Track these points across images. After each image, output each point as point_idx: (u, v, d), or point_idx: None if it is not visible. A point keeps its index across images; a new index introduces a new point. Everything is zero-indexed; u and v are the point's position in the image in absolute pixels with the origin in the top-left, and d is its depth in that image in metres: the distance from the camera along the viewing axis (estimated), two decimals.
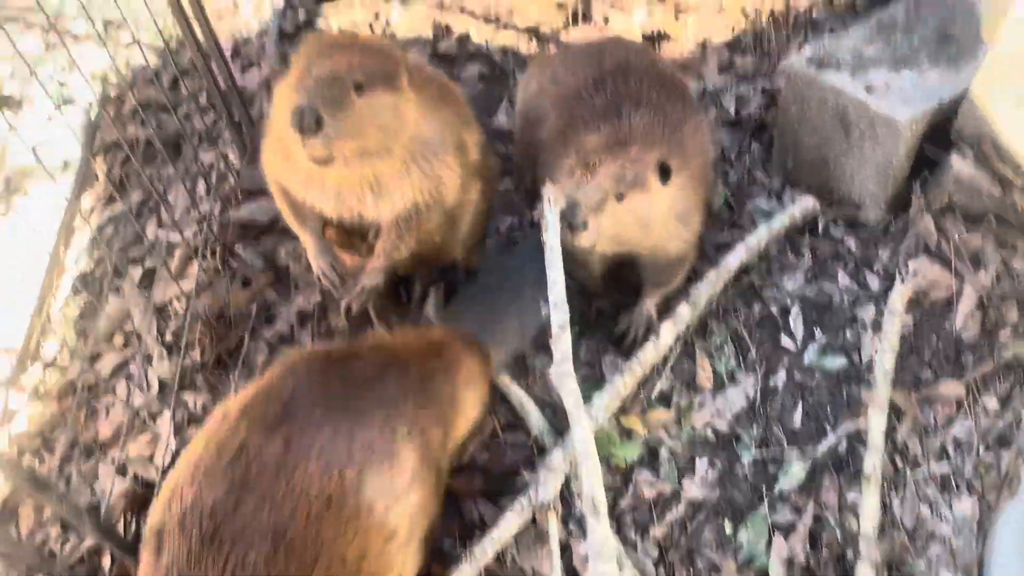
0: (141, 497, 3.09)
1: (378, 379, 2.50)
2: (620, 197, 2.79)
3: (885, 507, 2.84)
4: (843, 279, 3.39)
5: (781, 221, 3.53)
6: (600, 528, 2.41)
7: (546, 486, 2.89)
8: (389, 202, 2.84)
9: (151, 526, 2.19)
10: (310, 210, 2.91)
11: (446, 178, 2.92)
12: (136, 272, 3.74)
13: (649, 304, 3.32)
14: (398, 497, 2.37)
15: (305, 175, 2.80)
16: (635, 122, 3.03)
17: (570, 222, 2.77)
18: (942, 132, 3.32)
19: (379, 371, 2.52)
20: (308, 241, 3.01)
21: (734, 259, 3.40)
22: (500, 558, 2.92)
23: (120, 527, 3.04)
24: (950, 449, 2.92)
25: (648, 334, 3.28)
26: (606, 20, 4.72)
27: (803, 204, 3.58)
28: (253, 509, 2.13)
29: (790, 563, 2.80)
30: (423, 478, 2.49)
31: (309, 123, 2.43)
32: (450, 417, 2.71)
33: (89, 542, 3.01)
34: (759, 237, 3.48)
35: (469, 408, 2.82)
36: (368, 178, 2.77)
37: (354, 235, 3.04)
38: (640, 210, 2.86)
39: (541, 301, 3.20)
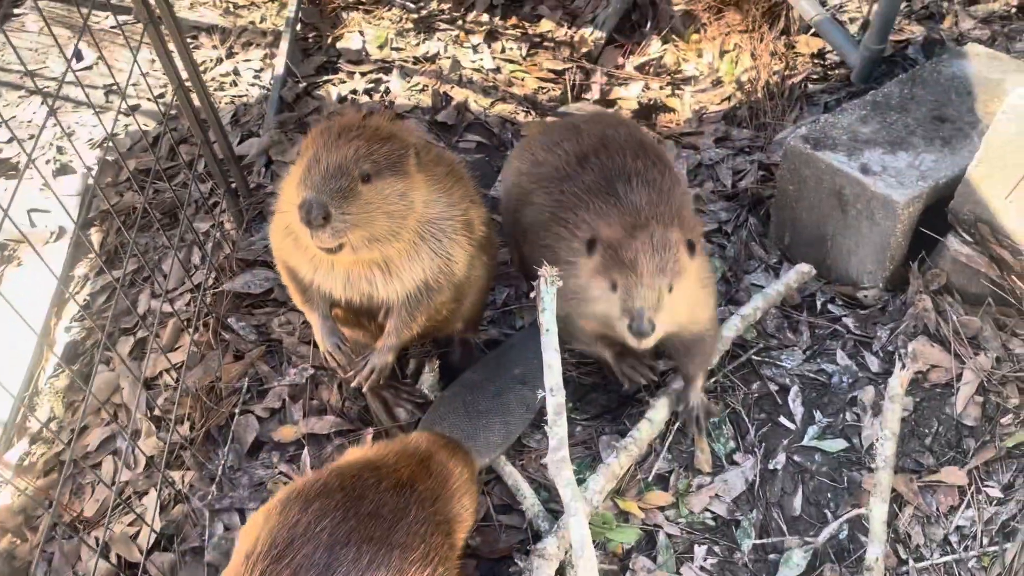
0: None
1: (403, 511, 2.47)
2: (671, 288, 2.74)
3: None
4: (842, 358, 3.36)
5: (776, 289, 3.51)
6: None
7: (540, 574, 2.82)
8: (399, 282, 2.84)
9: None
10: (318, 292, 2.90)
11: (456, 255, 2.92)
12: (127, 343, 3.70)
13: (698, 387, 3.24)
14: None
15: (313, 258, 2.81)
16: (634, 198, 2.98)
17: (639, 330, 2.72)
18: (939, 212, 3.32)
19: (399, 501, 2.48)
20: (316, 322, 3.00)
21: (729, 330, 3.37)
22: None
23: None
24: (953, 540, 2.85)
25: (708, 419, 3.27)
26: (604, 93, 4.76)
27: (799, 270, 3.57)
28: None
29: None
30: None
31: (316, 217, 2.44)
32: (455, 537, 2.66)
33: None
34: (755, 306, 3.46)
35: (467, 517, 2.79)
36: (377, 261, 2.77)
37: (362, 315, 3.03)
38: (686, 293, 2.82)
39: (538, 389, 3.18)
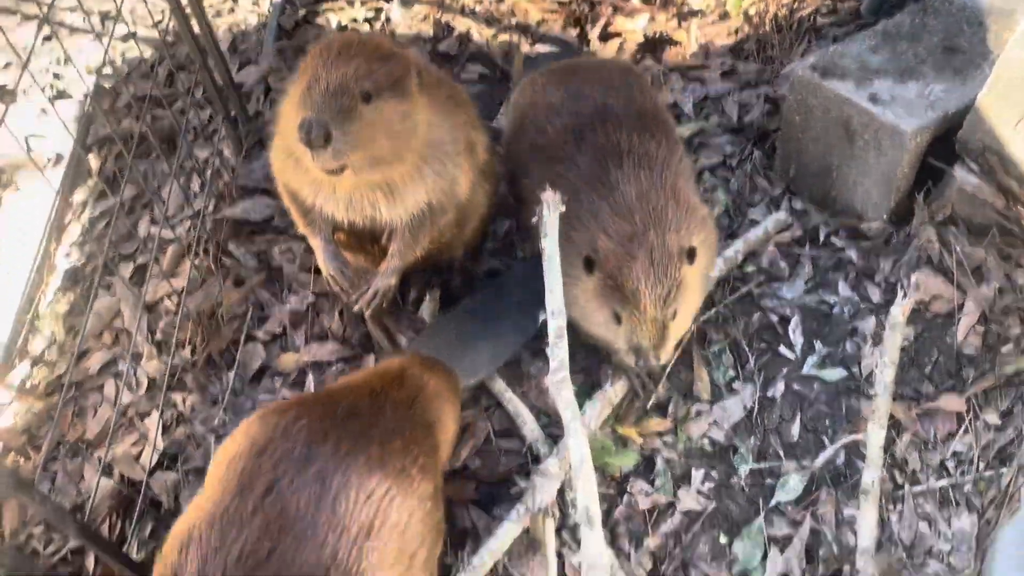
0: (127, 498, 3.04)
1: (379, 411, 2.49)
2: (675, 314, 2.70)
3: (883, 523, 2.80)
4: (844, 290, 3.35)
5: (756, 234, 3.52)
6: (594, 539, 2.37)
7: (542, 492, 2.85)
8: (402, 205, 2.80)
9: (164, 564, 2.12)
10: (320, 215, 2.86)
11: (459, 178, 2.89)
12: (127, 269, 3.69)
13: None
14: (423, 518, 2.35)
15: (315, 181, 2.76)
16: (627, 190, 2.82)
17: (648, 368, 2.83)
18: (946, 143, 3.28)
19: (374, 404, 2.51)
20: (318, 246, 2.96)
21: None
22: (493, 567, 2.87)
23: (105, 528, 2.98)
24: (950, 465, 2.88)
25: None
26: (607, 26, 4.67)
27: (777, 218, 3.61)
28: (293, 550, 2.07)
29: None
30: (437, 498, 2.48)
31: (317, 137, 2.38)
32: (438, 438, 2.68)
33: (73, 542, 2.96)
34: (736, 249, 3.48)
35: (448, 424, 2.81)
36: (380, 183, 2.73)
37: (365, 238, 3.01)
38: (689, 305, 2.80)
39: (537, 313, 3.19)
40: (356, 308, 3.01)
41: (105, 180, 4.00)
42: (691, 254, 2.70)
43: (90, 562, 2.94)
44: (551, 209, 2.80)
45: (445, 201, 2.88)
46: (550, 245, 2.76)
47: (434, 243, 3.01)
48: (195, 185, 3.94)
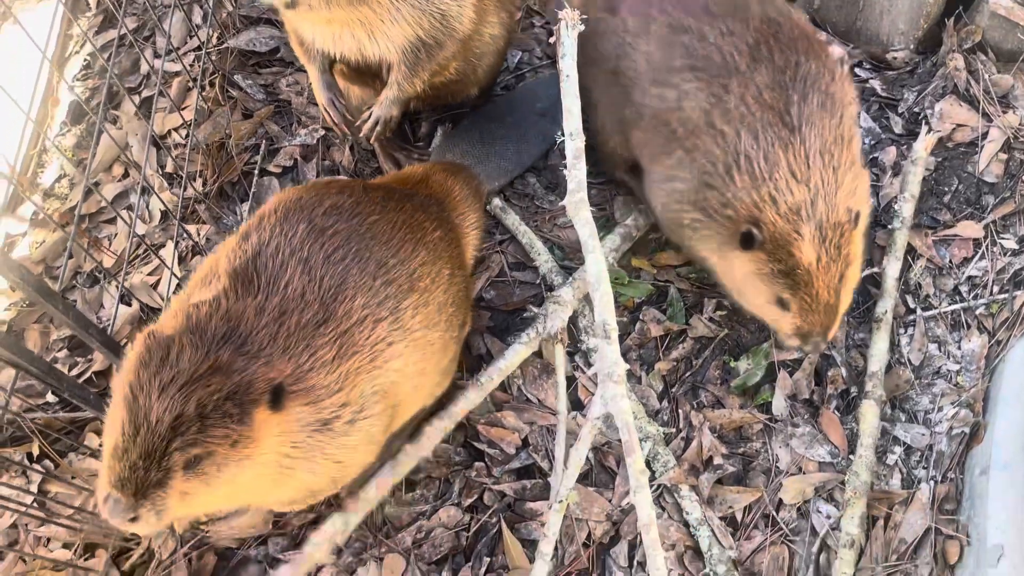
0: (148, 323, 3.08)
1: (407, 198, 2.55)
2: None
3: (893, 345, 2.84)
4: (865, 120, 3.28)
5: None
6: (611, 351, 2.40)
7: (553, 318, 2.88)
8: (386, 41, 2.75)
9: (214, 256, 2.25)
10: (315, 47, 2.85)
11: (450, 10, 2.77)
12: (133, 102, 3.61)
13: None
14: (464, 270, 2.54)
15: (308, 15, 2.68)
16: (810, 139, 2.36)
17: (815, 351, 2.55)
18: None
19: (397, 199, 2.54)
20: (313, 75, 2.95)
21: None
22: (507, 389, 2.95)
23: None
24: (963, 289, 2.89)
25: None
26: None
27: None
28: (367, 225, 2.25)
29: (793, 397, 2.82)
30: (466, 273, 2.68)
31: None
32: (465, 239, 2.73)
33: (97, 365, 3.02)
34: None
35: (473, 230, 2.88)
36: (358, 20, 2.68)
37: (366, 72, 2.94)
38: (855, 270, 2.48)
39: (557, 130, 3.13)
40: (360, 136, 3.00)
41: (104, 12, 3.86)
42: (858, 218, 2.37)
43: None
44: (569, 27, 2.70)
45: (438, 35, 2.79)
46: (567, 65, 2.68)
47: (438, 76, 2.94)
48: (197, 17, 3.80)
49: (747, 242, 2.36)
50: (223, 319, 2.00)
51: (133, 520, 1.86)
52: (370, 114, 2.94)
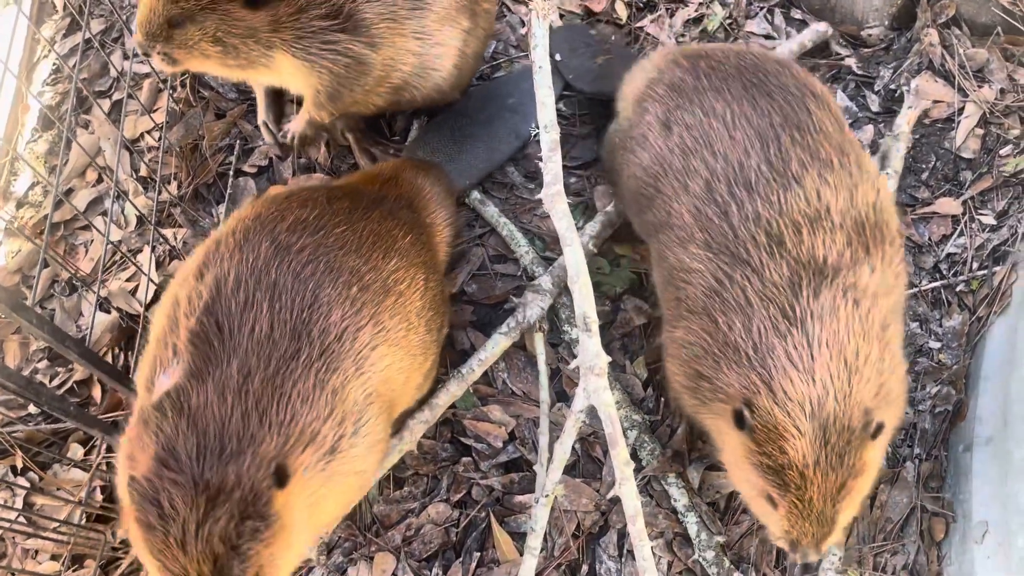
0: (127, 331, 3.06)
1: (376, 201, 2.52)
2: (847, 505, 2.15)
3: None
4: (842, 99, 3.27)
5: (789, 48, 3.36)
6: (592, 344, 2.40)
7: (532, 307, 2.88)
8: (290, 83, 2.88)
9: (175, 282, 2.21)
10: None
11: (342, 63, 2.75)
12: (104, 106, 3.56)
13: None
14: (438, 274, 2.48)
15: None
16: (817, 333, 2.12)
17: (805, 565, 2.35)
18: None
19: (366, 202, 2.51)
20: (258, 95, 3.32)
21: None
22: (492, 382, 2.94)
23: (108, 359, 3.02)
24: (943, 267, 2.90)
25: None
26: None
27: (815, 29, 3.40)
28: (334, 235, 2.20)
29: None
30: (440, 276, 2.60)
31: (144, 54, 2.68)
32: (436, 239, 2.69)
33: (78, 375, 3.00)
34: None
35: (445, 229, 2.86)
36: (255, 74, 2.83)
37: None
38: (864, 483, 2.17)
39: (531, 118, 3.12)
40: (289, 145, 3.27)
41: (70, 16, 3.80)
42: (877, 430, 2.08)
43: (97, 392, 2.99)
44: (540, 17, 2.68)
45: (341, 84, 2.81)
46: (540, 56, 2.66)
47: (364, 105, 2.98)
48: None
49: (739, 421, 2.13)
50: (191, 427, 1.87)
51: None
52: (287, 131, 3.17)
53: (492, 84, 3.46)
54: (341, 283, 2.13)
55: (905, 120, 3.01)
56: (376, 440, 2.21)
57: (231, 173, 3.33)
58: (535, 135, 2.65)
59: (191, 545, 1.74)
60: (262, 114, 3.29)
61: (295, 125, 3.11)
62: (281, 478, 1.86)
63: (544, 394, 2.77)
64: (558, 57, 3.37)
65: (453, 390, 2.78)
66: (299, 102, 3.16)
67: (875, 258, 2.21)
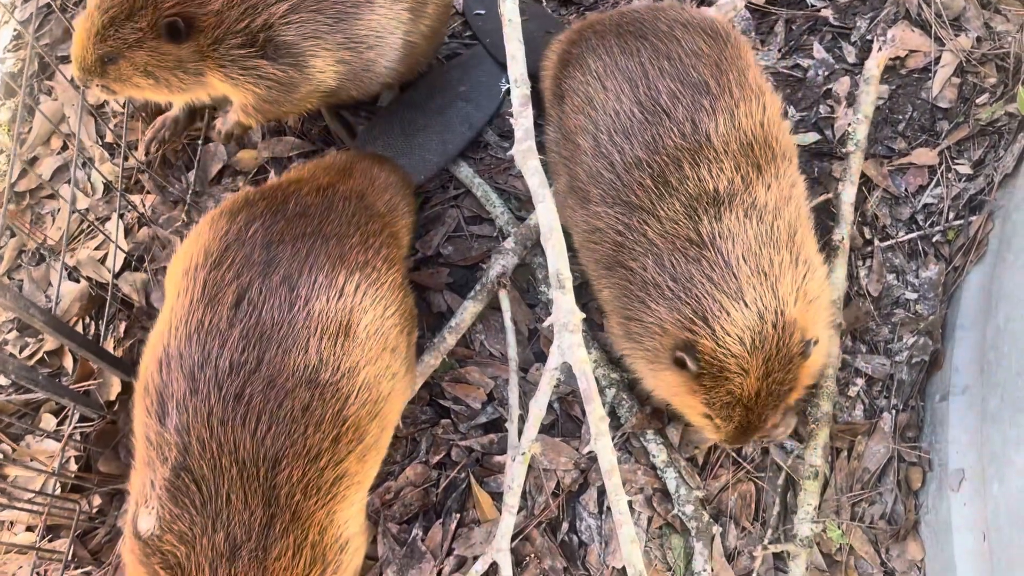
0: (97, 299, 3.01)
1: (329, 207, 2.41)
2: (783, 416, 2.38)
3: (851, 278, 2.83)
4: (818, 52, 3.22)
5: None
6: (565, 301, 2.36)
7: (496, 266, 2.87)
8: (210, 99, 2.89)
9: (144, 384, 2.08)
10: None
11: (265, 86, 2.74)
12: (66, 71, 3.48)
13: None
14: (397, 308, 2.33)
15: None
16: (729, 251, 2.17)
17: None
18: None
19: (323, 200, 2.43)
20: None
21: None
22: (470, 344, 2.92)
23: (79, 329, 2.97)
24: (919, 218, 2.88)
25: None
26: None
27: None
28: (280, 357, 2.05)
29: None
30: (406, 286, 2.47)
31: (86, 88, 2.76)
32: (395, 228, 2.64)
33: (48, 345, 2.96)
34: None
35: (404, 217, 2.78)
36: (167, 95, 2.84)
37: None
38: (796, 394, 2.35)
39: (480, 115, 3.05)
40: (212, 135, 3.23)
41: None
42: (807, 347, 2.17)
43: (68, 362, 2.95)
44: None
45: (260, 102, 2.80)
46: (509, 9, 2.59)
47: (298, 109, 2.94)
48: None
49: (680, 364, 2.17)
50: None
51: None
52: (216, 125, 3.11)
53: (441, 71, 3.34)
54: (297, 433, 2.03)
55: (875, 63, 2.98)
56: (358, 545, 2.20)
57: (200, 140, 3.27)
58: (505, 90, 2.60)
59: None
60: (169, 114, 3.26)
61: (224, 126, 3.06)
62: None
63: (512, 352, 2.75)
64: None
65: (429, 360, 2.76)
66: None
67: (768, 175, 2.25)
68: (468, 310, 2.84)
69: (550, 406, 2.79)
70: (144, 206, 3.15)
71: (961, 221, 2.81)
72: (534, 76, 2.86)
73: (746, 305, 2.10)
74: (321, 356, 2.10)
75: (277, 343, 2.07)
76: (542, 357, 2.89)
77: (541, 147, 2.48)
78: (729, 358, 2.10)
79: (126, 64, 2.65)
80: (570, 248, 2.35)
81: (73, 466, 2.76)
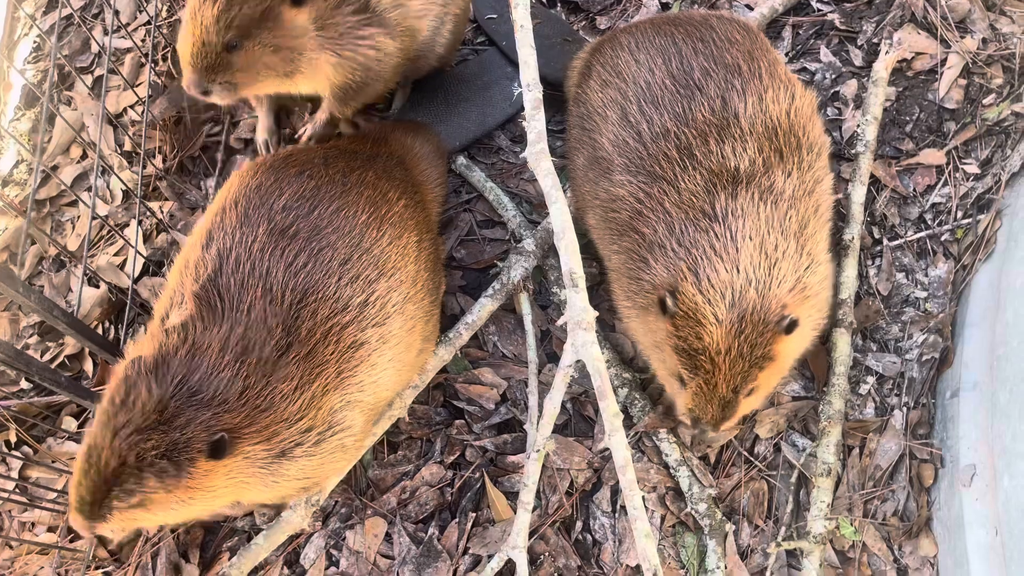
0: (117, 304, 3.06)
1: (370, 159, 2.54)
2: (751, 391, 2.29)
3: (861, 277, 2.86)
4: (825, 55, 3.26)
5: (760, 12, 3.35)
6: (579, 299, 2.40)
7: (516, 269, 2.90)
8: (310, 88, 2.85)
9: (186, 246, 2.22)
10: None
11: (370, 61, 2.79)
12: (86, 81, 3.55)
13: None
14: (431, 232, 2.50)
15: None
16: (737, 227, 2.23)
17: (700, 439, 2.63)
18: None
19: (360, 160, 2.53)
20: (260, 115, 3.25)
21: None
22: (483, 345, 2.95)
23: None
24: (928, 217, 2.91)
25: None
26: None
27: None
28: (331, 212, 2.19)
29: None
30: (434, 234, 2.62)
31: (199, 94, 2.58)
32: (427, 197, 2.71)
33: (69, 349, 3.01)
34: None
35: (436, 188, 2.87)
36: (285, 82, 2.77)
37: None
38: (771, 375, 2.33)
39: (514, 83, 3.11)
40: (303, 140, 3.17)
41: None
42: (791, 326, 2.18)
43: (88, 366, 3.00)
44: None
45: (361, 80, 2.84)
46: (521, 15, 2.64)
47: (373, 96, 3.00)
48: None
49: (662, 306, 2.24)
50: (188, 355, 2.00)
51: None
52: (304, 130, 3.14)
53: (491, 53, 3.47)
54: (332, 274, 2.15)
55: (883, 65, 3.01)
56: (340, 449, 2.24)
57: (221, 147, 3.33)
58: (518, 94, 2.66)
59: (120, 438, 1.86)
60: (263, 134, 3.25)
61: (314, 128, 3.11)
62: (216, 452, 1.95)
63: (532, 354, 2.78)
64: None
65: (442, 354, 2.80)
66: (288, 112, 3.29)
67: (789, 163, 2.31)
68: (485, 307, 2.88)
69: (563, 407, 2.82)
70: (162, 212, 3.21)
71: (969, 220, 2.83)
72: (555, 83, 2.93)
73: (737, 270, 2.17)
74: (367, 226, 2.25)
75: (330, 202, 2.23)
76: (554, 358, 2.92)
77: (553, 151, 2.53)
78: (705, 305, 2.15)
79: (252, 45, 2.53)
80: (582, 240, 2.39)
81: None
